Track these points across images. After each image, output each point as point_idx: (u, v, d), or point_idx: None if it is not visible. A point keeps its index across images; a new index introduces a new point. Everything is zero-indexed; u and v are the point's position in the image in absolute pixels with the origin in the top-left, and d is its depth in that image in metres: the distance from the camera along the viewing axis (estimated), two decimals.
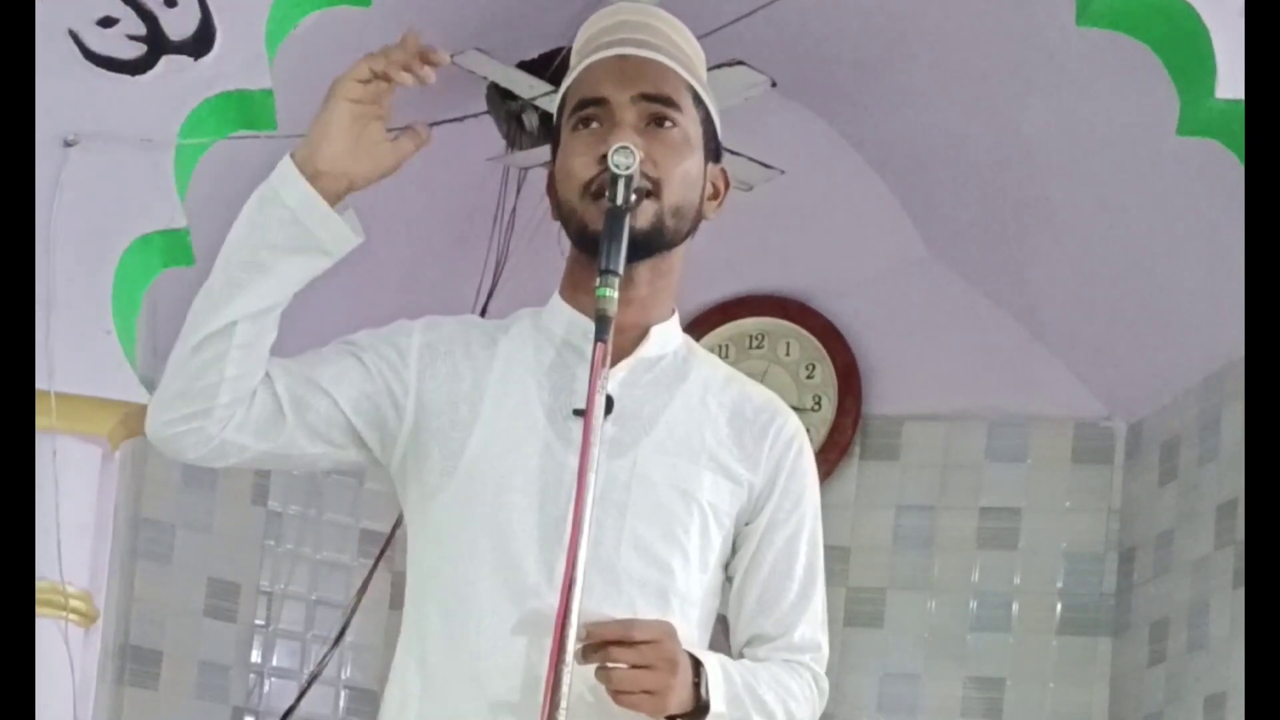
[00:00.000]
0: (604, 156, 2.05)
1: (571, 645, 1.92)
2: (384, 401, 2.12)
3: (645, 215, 2.06)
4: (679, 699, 2.00)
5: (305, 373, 2.10)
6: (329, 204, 1.99)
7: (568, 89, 2.18)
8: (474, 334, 2.18)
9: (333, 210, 1.99)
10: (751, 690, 2.08)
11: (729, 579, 2.19)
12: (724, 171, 2.21)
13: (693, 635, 2.12)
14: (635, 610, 2.06)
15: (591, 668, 1.98)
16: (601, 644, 1.96)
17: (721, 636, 4.26)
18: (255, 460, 2.11)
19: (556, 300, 2.19)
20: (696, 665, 2.04)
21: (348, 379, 2.11)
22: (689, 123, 2.14)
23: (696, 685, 2.03)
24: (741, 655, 2.18)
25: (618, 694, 1.97)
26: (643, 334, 2.14)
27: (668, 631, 2.00)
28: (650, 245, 2.08)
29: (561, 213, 2.14)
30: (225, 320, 1.99)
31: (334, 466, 2.20)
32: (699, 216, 2.17)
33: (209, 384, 2.01)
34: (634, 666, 1.96)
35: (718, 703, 2.03)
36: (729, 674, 2.06)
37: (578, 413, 2.06)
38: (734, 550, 2.18)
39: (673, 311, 2.19)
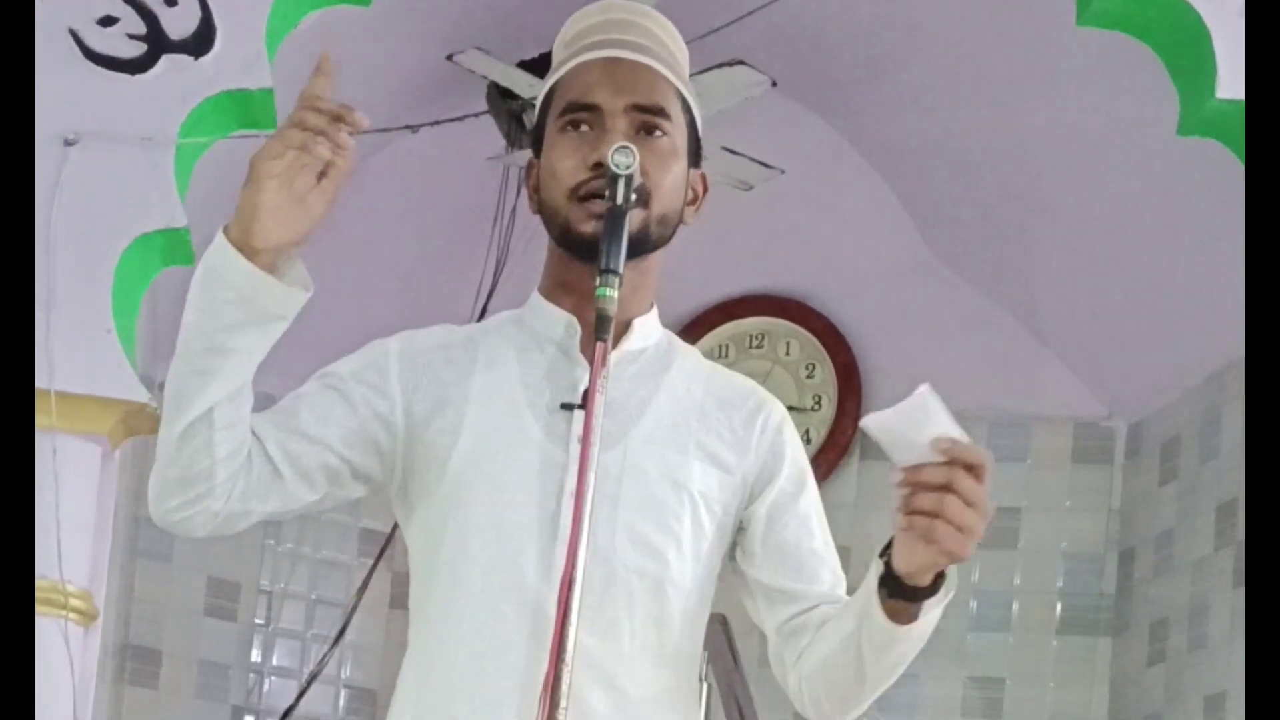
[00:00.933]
0: (596, 164, 2.05)
1: (572, 644, 1.92)
2: (373, 426, 2.12)
3: (634, 222, 2.06)
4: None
5: (291, 423, 2.10)
6: (273, 269, 1.97)
7: (556, 84, 2.17)
8: (452, 340, 2.18)
9: (277, 278, 1.97)
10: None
11: (738, 572, 2.18)
12: (703, 177, 2.22)
13: (687, 625, 2.12)
14: (632, 600, 2.07)
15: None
16: (951, 464, 1.86)
17: (723, 637, 4.26)
18: (264, 518, 2.13)
19: (537, 298, 2.19)
20: None
21: (333, 418, 2.11)
22: (677, 131, 2.15)
23: None
24: (791, 623, 2.14)
25: (940, 522, 1.87)
26: (625, 328, 2.15)
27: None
28: (634, 250, 2.08)
29: (544, 211, 2.14)
30: (203, 408, 1.99)
31: (338, 505, 2.20)
32: (679, 222, 2.17)
33: (203, 468, 2.02)
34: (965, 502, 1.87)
35: (950, 581, 1.97)
36: None
37: (565, 407, 2.06)
38: (735, 541, 2.17)
39: (651, 305, 2.20)
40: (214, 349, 1.98)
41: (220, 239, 1.94)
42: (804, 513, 2.18)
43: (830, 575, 2.17)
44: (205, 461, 2.01)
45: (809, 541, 2.17)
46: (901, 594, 1.96)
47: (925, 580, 1.94)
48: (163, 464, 2.04)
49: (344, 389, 2.12)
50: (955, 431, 1.86)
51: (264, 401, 2.03)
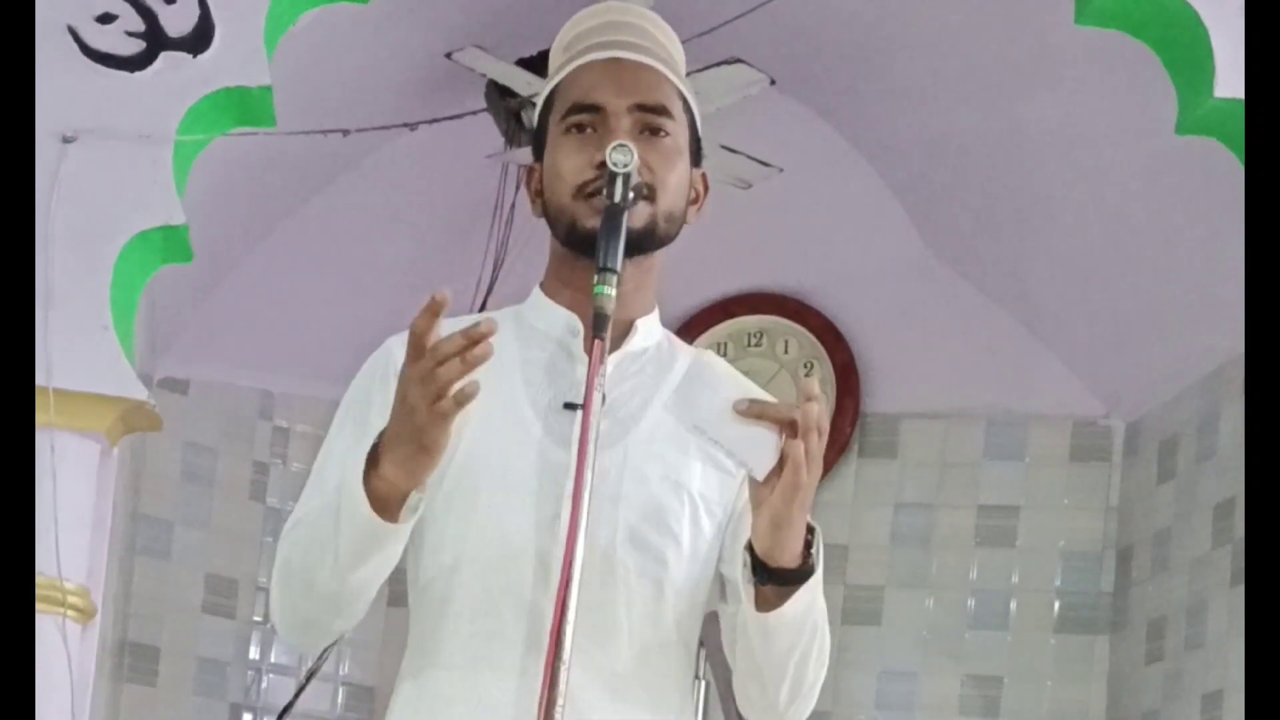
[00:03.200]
0: (601, 163, 2.06)
1: (570, 642, 1.92)
2: None
3: (640, 217, 2.08)
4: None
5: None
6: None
7: (557, 87, 2.18)
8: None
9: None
10: (820, 585, 2.04)
11: (721, 573, 2.19)
12: (704, 176, 2.23)
13: (682, 624, 2.13)
14: (632, 601, 2.07)
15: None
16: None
17: (716, 633, 4.24)
18: None
19: (539, 296, 2.20)
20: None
21: None
22: (680, 130, 2.16)
23: (808, 544, 1.99)
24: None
25: (799, 472, 1.92)
26: (627, 328, 2.15)
27: None
28: (641, 246, 2.09)
29: (548, 211, 2.15)
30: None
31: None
32: (684, 221, 2.18)
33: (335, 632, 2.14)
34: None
35: (819, 568, 2.00)
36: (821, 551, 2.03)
37: (569, 406, 2.07)
38: (725, 541, 2.18)
39: (653, 306, 2.20)
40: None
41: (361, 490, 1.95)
42: None
43: None
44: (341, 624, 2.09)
45: None
46: (773, 579, 1.98)
47: (786, 560, 1.96)
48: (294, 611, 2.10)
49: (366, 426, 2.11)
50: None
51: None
